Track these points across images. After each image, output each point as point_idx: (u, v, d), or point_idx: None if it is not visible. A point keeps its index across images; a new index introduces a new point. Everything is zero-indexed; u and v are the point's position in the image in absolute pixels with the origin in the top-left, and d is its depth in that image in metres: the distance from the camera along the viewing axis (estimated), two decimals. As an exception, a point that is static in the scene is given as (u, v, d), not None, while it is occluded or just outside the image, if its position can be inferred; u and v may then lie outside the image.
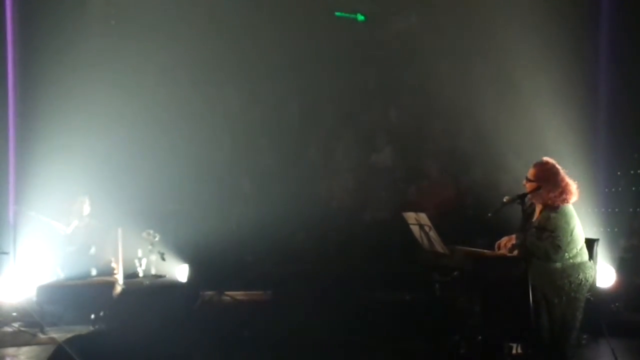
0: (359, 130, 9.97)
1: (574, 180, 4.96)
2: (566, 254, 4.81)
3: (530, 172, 4.99)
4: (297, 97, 10.49)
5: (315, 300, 7.10)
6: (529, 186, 4.91)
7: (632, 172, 7.82)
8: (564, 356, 4.78)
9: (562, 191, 4.86)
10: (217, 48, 9.79)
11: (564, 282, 4.76)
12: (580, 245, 4.91)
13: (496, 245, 5.30)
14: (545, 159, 5.03)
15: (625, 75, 7.72)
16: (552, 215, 4.85)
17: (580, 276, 4.80)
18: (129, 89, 9.18)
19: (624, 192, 7.62)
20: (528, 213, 5.06)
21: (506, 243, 5.18)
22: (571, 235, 4.81)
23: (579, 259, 4.87)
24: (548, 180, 4.87)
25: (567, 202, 4.88)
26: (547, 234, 4.79)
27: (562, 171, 4.95)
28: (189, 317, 6.83)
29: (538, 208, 5.04)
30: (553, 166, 4.96)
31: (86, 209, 7.43)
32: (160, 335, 5.53)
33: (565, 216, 4.85)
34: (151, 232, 7.50)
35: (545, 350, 4.67)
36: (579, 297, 4.78)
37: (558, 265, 4.80)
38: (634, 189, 7.65)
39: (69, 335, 5.29)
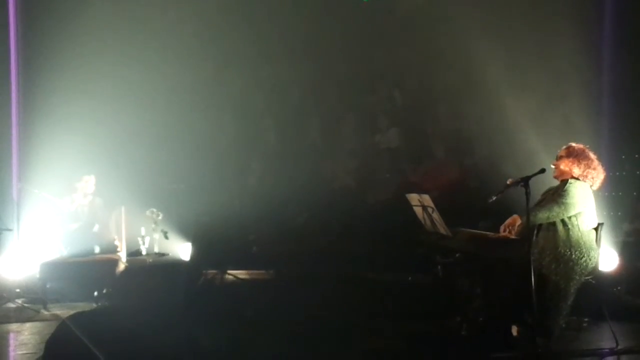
0: (363, 112, 9.92)
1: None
2: (578, 226, 4.84)
3: (563, 151, 5.06)
4: (300, 78, 10.43)
5: (317, 280, 7.11)
6: (558, 163, 4.99)
7: (636, 155, 7.79)
8: (548, 327, 4.75)
9: (586, 165, 4.95)
10: (221, 31, 9.73)
11: (566, 250, 4.79)
12: (591, 224, 4.93)
13: (502, 228, 5.28)
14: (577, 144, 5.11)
15: (630, 61, 7.67)
16: (570, 181, 4.93)
17: (584, 252, 4.81)
18: (133, 69, 9.15)
19: (628, 175, 7.60)
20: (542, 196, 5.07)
21: (511, 223, 5.17)
22: (584, 207, 4.86)
23: (586, 238, 4.87)
24: (577, 156, 4.96)
25: (586, 179, 4.96)
26: (557, 196, 4.87)
27: (594, 157, 5.03)
28: (191, 295, 6.83)
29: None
30: (584, 148, 5.04)
31: (91, 187, 7.41)
32: (162, 313, 5.56)
33: (581, 187, 4.90)
34: (154, 210, 7.51)
35: (538, 322, 4.64)
36: (576, 270, 4.79)
37: (565, 234, 4.82)
38: (638, 172, 7.62)
39: (72, 312, 5.32)
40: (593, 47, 7.74)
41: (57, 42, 8.40)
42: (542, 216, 4.83)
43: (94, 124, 8.36)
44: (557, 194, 4.91)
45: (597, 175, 4.98)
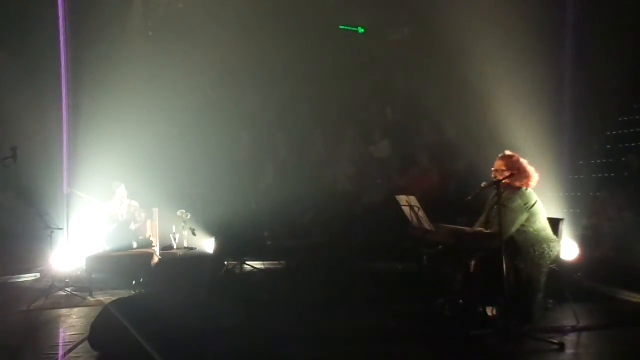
0: (359, 126, 9.92)
1: (533, 166, 4.98)
2: (529, 227, 4.79)
3: (498, 164, 4.98)
4: (307, 98, 10.44)
5: (321, 269, 7.06)
6: (499, 176, 4.87)
7: (591, 161, 7.73)
8: (530, 313, 4.74)
9: (525, 176, 4.89)
10: (239, 57, 9.75)
11: (529, 250, 4.75)
12: (542, 220, 4.87)
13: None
14: (509, 152, 5.05)
15: (588, 76, 7.61)
16: (511, 196, 4.86)
17: (544, 246, 4.78)
18: (165, 94, 9.18)
19: (585, 178, 7.53)
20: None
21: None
22: (529, 211, 4.79)
23: (542, 233, 4.83)
24: (515, 169, 4.88)
25: (529, 185, 4.91)
26: (505, 212, 4.76)
27: (523, 160, 4.97)
28: (215, 282, 6.78)
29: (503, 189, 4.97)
30: (518, 158, 4.98)
31: (124, 193, 7.30)
32: (190, 298, 5.51)
33: (521, 196, 4.84)
34: (184, 211, 7.47)
35: (514, 309, 4.61)
36: (542, 263, 4.76)
37: (522, 237, 4.77)
38: (593, 175, 7.56)
39: (114, 298, 5.26)
40: (555, 67, 7.69)
41: (101, 71, 8.44)
42: (507, 234, 4.72)
43: (132, 139, 8.37)
44: (505, 210, 4.75)
45: (532, 178, 4.92)
